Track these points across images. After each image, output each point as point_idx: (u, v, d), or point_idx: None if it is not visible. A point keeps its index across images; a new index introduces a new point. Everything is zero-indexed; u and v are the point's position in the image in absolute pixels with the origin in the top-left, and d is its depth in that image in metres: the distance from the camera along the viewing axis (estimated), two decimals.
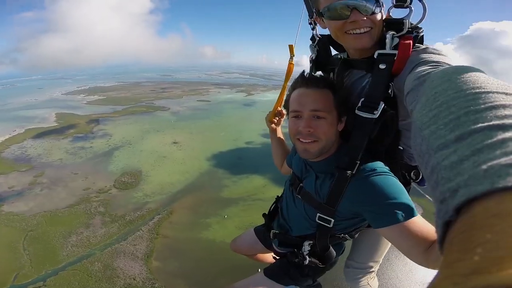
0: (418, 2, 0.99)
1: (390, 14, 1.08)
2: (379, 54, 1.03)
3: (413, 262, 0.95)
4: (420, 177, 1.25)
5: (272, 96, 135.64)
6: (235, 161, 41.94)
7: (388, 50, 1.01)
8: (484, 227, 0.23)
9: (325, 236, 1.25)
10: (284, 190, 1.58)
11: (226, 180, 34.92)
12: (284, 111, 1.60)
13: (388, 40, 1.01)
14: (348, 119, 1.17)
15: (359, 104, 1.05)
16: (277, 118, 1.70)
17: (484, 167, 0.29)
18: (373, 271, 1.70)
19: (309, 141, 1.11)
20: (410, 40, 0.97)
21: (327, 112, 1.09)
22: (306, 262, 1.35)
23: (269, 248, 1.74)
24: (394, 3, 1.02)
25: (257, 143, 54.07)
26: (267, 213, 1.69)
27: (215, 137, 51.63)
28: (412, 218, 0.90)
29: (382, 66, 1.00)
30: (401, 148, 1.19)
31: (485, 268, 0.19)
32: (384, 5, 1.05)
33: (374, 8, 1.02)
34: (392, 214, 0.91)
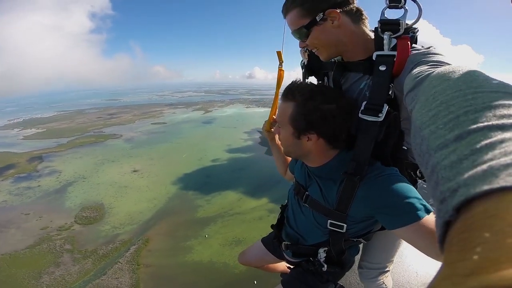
0: (413, 2, 1.02)
1: (385, 15, 1.08)
2: (377, 55, 1.06)
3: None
4: None
5: (231, 110, 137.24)
6: (204, 180, 41.35)
7: (386, 52, 1.03)
8: (484, 227, 0.24)
9: (340, 241, 1.27)
10: (288, 199, 1.63)
11: (198, 200, 34.50)
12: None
13: (386, 42, 1.03)
14: (351, 123, 1.17)
15: (362, 108, 1.07)
16: (273, 128, 1.74)
17: (483, 167, 0.30)
18: (388, 270, 1.73)
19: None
20: (407, 40, 1.01)
21: (281, 125, 1.21)
22: (325, 269, 1.39)
23: (280, 258, 1.79)
24: (388, 4, 1.05)
25: (223, 159, 53.97)
26: (275, 224, 1.72)
27: (177, 160, 50.47)
28: (427, 216, 0.92)
29: (382, 68, 1.02)
30: (405, 148, 1.21)
31: (484, 268, 0.20)
32: (323, 23, 1.11)
33: (301, 36, 1.15)
34: (406, 214, 0.94)
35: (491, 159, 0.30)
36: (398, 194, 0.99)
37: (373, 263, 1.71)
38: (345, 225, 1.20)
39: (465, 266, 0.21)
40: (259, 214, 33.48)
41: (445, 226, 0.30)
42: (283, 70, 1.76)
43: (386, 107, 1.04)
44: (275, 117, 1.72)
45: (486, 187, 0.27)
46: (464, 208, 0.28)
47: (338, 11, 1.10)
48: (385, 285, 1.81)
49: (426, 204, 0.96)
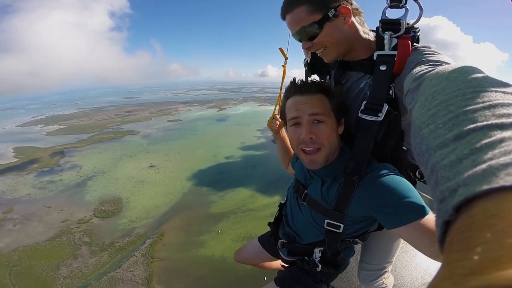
0: (414, 2, 1.02)
1: (386, 15, 1.08)
2: (378, 55, 1.05)
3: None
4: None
5: (244, 108, 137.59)
6: (218, 177, 41.90)
7: (387, 51, 1.02)
8: (484, 227, 0.24)
9: (335, 242, 1.24)
10: (287, 197, 1.59)
11: (212, 196, 34.86)
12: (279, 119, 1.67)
13: (386, 41, 1.02)
14: (349, 123, 1.18)
15: (362, 107, 1.06)
16: (277, 123, 1.74)
17: (483, 166, 0.29)
18: (387, 271, 1.72)
19: (313, 149, 1.12)
20: (408, 40, 1.00)
21: (326, 115, 1.10)
22: (319, 269, 1.37)
23: (276, 256, 1.76)
24: (389, 3, 1.04)
25: (237, 156, 54.08)
26: (272, 221, 1.68)
27: (192, 156, 51.19)
28: (426, 216, 0.91)
29: (382, 67, 1.02)
30: (405, 148, 1.19)
31: (485, 268, 0.20)
32: (338, 15, 1.06)
33: (310, 35, 1.07)
34: (405, 213, 0.93)
35: (491, 159, 0.30)
36: (397, 193, 0.97)
37: (372, 264, 1.67)
38: (342, 225, 1.17)
39: (466, 266, 0.21)
40: (271, 211, 34.05)
41: (445, 226, 0.30)
42: (285, 66, 1.76)
43: (385, 107, 1.02)
44: (276, 114, 1.73)
45: (486, 187, 0.27)
46: (464, 207, 0.28)
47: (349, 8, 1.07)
48: (385, 285, 1.78)
49: (426, 205, 0.95)
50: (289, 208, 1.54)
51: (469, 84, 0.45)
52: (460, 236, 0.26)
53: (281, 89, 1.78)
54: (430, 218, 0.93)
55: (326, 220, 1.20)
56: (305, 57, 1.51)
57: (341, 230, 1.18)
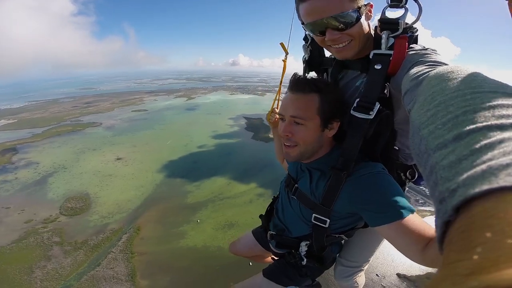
0: (414, 2, 1.03)
1: (386, 14, 1.09)
2: (374, 54, 1.05)
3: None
4: (416, 176, 1.29)
5: (215, 97, 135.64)
6: (191, 166, 41.39)
7: (383, 50, 1.03)
8: (483, 227, 0.24)
9: (322, 237, 1.27)
10: (279, 191, 1.60)
11: (187, 186, 34.33)
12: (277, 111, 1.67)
13: (383, 40, 1.03)
14: (344, 120, 1.18)
15: (354, 105, 1.07)
16: (276, 117, 1.73)
17: (482, 167, 0.30)
18: (362, 269, 1.75)
19: (289, 144, 1.16)
20: (405, 40, 1.00)
21: (307, 119, 1.11)
22: (304, 262, 1.40)
23: (268, 249, 1.76)
24: (389, 3, 1.04)
25: (210, 145, 53.70)
26: (264, 214, 1.71)
27: (162, 147, 49.57)
28: (409, 216, 0.93)
29: (377, 67, 1.03)
30: (397, 148, 1.21)
31: (484, 268, 0.20)
32: (367, 8, 1.05)
33: (348, 22, 1.02)
34: (389, 212, 0.94)
35: (491, 159, 0.30)
36: (383, 192, 0.99)
37: (350, 261, 1.67)
38: (328, 220, 1.19)
39: (465, 266, 0.21)
40: (249, 198, 34.20)
41: (444, 226, 0.31)
42: (285, 61, 1.76)
43: (377, 106, 1.02)
44: (274, 107, 1.72)
45: (485, 187, 0.27)
46: (464, 208, 0.29)
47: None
48: (358, 284, 1.79)
49: (410, 206, 0.96)
50: (280, 201, 1.55)
51: (469, 85, 0.45)
52: (459, 236, 0.26)
53: (281, 83, 1.78)
54: (413, 219, 0.93)
55: (314, 215, 1.21)
56: (304, 54, 1.48)
57: (327, 225, 1.20)
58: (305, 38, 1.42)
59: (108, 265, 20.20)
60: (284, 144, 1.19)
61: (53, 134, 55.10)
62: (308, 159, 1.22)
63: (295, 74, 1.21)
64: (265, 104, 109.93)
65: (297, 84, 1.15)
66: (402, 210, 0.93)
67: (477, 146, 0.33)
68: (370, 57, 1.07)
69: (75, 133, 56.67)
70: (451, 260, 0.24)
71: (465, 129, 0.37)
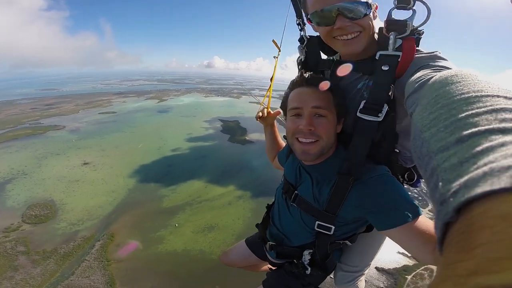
0: (422, 4, 1.01)
1: (392, 15, 1.07)
2: (381, 55, 1.05)
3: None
4: (415, 179, 1.28)
5: (188, 99, 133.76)
6: (166, 170, 40.78)
7: (391, 51, 1.03)
8: (484, 228, 0.24)
9: (325, 244, 1.25)
10: (275, 198, 1.58)
11: (162, 190, 33.88)
12: (270, 110, 1.68)
13: (391, 41, 1.03)
14: (346, 122, 1.17)
15: (361, 106, 1.06)
16: (265, 113, 1.70)
17: (484, 169, 0.30)
18: (364, 273, 1.74)
19: (310, 141, 1.11)
20: (413, 41, 1.01)
21: (328, 110, 1.10)
22: (308, 272, 1.37)
23: (264, 259, 1.75)
24: (396, 4, 1.03)
25: (185, 148, 53.13)
26: (260, 223, 1.67)
27: (133, 150, 48.15)
28: (418, 218, 0.94)
29: (385, 68, 1.02)
30: (397, 151, 1.21)
31: (484, 269, 0.20)
32: (374, 7, 1.07)
33: (361, 12, 1.03)
34: (399, 215, 0.95)
35: (492, 161, 0.30)
36: (391, 195, 0.99)
37: (351, 266, 1.64)
38: (333, 227, 1.17)
39: (466, 266, 0.22)
40: (228, 200, 34.45)
41: (445, 227, 0.31)
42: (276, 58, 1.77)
43: (386, 107, 1.01)
44: (262, 105, 1.67)
45: (487, 189, 0.28)
46: (464, 209, 0.29)
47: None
48: None
49: (419, 207, 0.98)
50: (276, 209, 1.51)
51: (472, 88, 0.46)
52: (459, 237, 0.27)
53: (272, 80, 1.75)
54: (422, 220, 0.94)
55: (317, 222, 1.19)
56: (298, 56, 1.48)
57: (331, 232, 1.18)
58: (301, 39, 1.42)
59: (83, 274, 19.56)
60: (300, 142, 1.13)
61: (9, 138, 51.32)
62: (319, 158, 1.18)
63: (302, 72, 1.24)
64: (240, 107, 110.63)
65: (312, 79, 1.15)
66: (411, 213, 0.93)
67: (479, 149, 0.33)
68: (377, 57, 1.06)
69: (35, 137, 53.21)
70: (451, 260, 0.25)
71: (467, 132, 0.37)
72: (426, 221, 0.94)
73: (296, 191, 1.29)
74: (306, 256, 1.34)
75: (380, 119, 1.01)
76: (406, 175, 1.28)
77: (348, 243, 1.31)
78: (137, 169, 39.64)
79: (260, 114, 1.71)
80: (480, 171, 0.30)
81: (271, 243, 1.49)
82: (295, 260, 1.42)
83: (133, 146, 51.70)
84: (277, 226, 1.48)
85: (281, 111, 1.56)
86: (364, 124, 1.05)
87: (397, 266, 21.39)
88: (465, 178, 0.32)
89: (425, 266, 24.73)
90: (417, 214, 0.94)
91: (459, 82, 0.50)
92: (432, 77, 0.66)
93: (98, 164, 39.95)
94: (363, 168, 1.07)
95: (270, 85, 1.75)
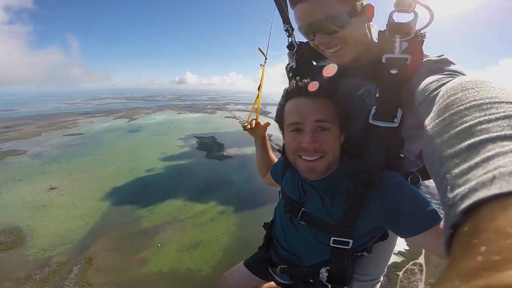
0: (423, 7, 0.98)
1: (393, 18, 1.02)
2: (387, 58, 1.01)
3: None
4: (419, 182, 1.26)
5: (160, 117, 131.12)
6: (141, 191, 39.66)
7: (398, 54, 0.99)
8: (489, 229, 0.25)
9: (342, 258, 1.21)
10: (275, 217, 1.53)
11: (139, 211, 33.04)
12: (259, 121, 1.61)
13: (397, 44, 0.99)
14: (354, 131, 1.12)
15: (373, 112, 1.02)
16: (253, 125, 1.63)
17: (494, 173, 0.31)
18: (380, 280, 1.74)
19: (315, 158, 1.05)
20: (420, 44, 0.99)
21: (331, 122, 1.04)
22: None
23: (267, 279, 1.73)
24: (396, 7, 0.99)
25: (160, 168, 52.15)
26: (263, 245, 1.60)
27: (104, 173, 46.28)
28: (441, 219, 0.91)
29: (393, 71, 0.98)
30: (402, 155, 1.15)
31: (488, 269, 0.21)
32: (365, 11, 1.03)
33: (337, 26, 1.00)
34: (423, 220, 0.93)
35: (502, 166, 0.31)
36: (413, 200, 0.96)
37: (366, 275, 1.60)
38: (351, 241, 1.12)
39: (469, 267, 0.23)
40: (210, 216, 34.23)
41: (453, 229, 0.32)
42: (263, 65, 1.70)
43: (400, 112, 0.98)
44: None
45: (495, 191, 0.28)
46: (472, 212, 0.30)
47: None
48: None
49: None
50: (279, 229, 1.42)
51: (486, 95, 0.46)
52: (465, 238, 0.28)
53: (259, 90, 1.67)
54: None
55: (332, 238, 1.14)
56: (288, 63, 1.45)
57: (350, 246, 1.13)
58: (290, 46, 1.41)
59: None
60: (304, 159, 1.07)
61: None
62: (322, 175, 1.12)
63: (298, 79, 1.13)
64: (216, 122, 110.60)
65: (313, 88, 1.08)
66: (434, 215, 0.92)
67: (489, 154, 0.34)
68: (383, 61, 1.02)
69: None
70: (456, 261, 0.25)
71: (479, 138, 0.38)
72: None
73: (303, 208, 1.21)
74: (324, 273, 1.29)
75: (396, 124, 0.98)
76: (409, 179, 1.23)
77: (366, 254, 1.28)
78: (109, 192, 38.15)
79: (249, 126, 1.61)
80: (489, 175, 0.31)
81: (282, 266, 1.40)
82: (311, 280, 1.37)
83: (103, 168, 49.81)
84: (284, 247, 1.40)
85: (270, 123, 1.57)
86: (379, 131, 1.02)
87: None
88: (474, 182, 0.32)
89: (414, 261, 26.06)
90: (439, 217, 0.92)
91: (473, 88, 0.51)
92: (445, 83, 0.67)
93: (66, 189, 38.02)
94: (379, 179, 1.03)
95: (258, 95, 1.65)
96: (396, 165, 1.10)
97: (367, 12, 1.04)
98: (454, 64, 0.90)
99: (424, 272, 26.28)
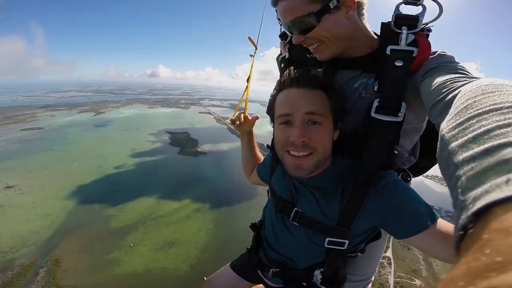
0: (432, 1, 0.96)
1: (400, 10, 0.99)
2: (392, 50, 0.98)
3: None
4: (410, 179, 1.24)
5: (130, 111, 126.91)
6: (110, 189, 38.39)
7: (403, 46, 0.97)
8: (498, 231, 0.25)
9: (337, 259, 1.19)
10: (264, 218, 1.47)
11: (108, 210, 31.79)
12: (248, 115, 1.57)
13: (403, 36, 0.97)
14: (350, 126, 1.08)
15: (376, 105, 0.98)
16: (242, 120, 1.57)
17: (509, 176, 0.31)
18: (371, 280, 1.70)
19: (303, 154, 1.00)
20: (425, 38, 0.98)
21: (323, 116, 0.99)
22: None
23: (255, 283, 1.70)
24: None
25: (130, 165, 51.00)
26: (252, 248, 1.54)
27: (68, 170, 43.89)
28: (437, 221, 0.91)
29: (398, 63, 0.96)
30: (396, 152, 1.11)
31: (493, 270, 0.21)
32: (341, 9, 0.99)
33: (306, 26, 1.01)
34: (418, 221, 0.91)
35: None
36: (408, 201, 0.95)
37: (358, 275, 1.59)
38: (346, 242, 1.09)
39: (476, 267, 0.23)
40: (185, 214, 34.08)
41: (463, 230, 0.32)
42: (252, 56, 1.65)
43: (404, 106, 0.96)
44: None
45: (508, 194, 0.29)
46: (483, 214, 0.30)
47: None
48: None
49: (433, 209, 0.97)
50: (270, 230, 1.37)
51: (506, 99, 0.46)
52: (473, 239, 0.28)
53: (248, 81, 1.63)
54: (442, 221, 0.93)
55: (328, 239, 1.10)
56: (280, 53, 1.43)
57: (345, 247, 1.11)
58: (282, 35, 1.39)
59: None
60: (292, 155, 1.02)
61: None
62: (315, 171, 1.08)
63: (291, 69, 1.10)
64: (189, 118, 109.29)
65: (302, 77, 1.04)
66: (430, 217, 0.91)
67: (505, 158, 0.34)
68: (388, 53, 0.99)
69: None
70: (464, 261, 0.26)
71: (496, 142, 0.38)
72: (445, 223, 0.91)
73: (296, 208, 1.17)
74: (318, 276, 1.26)
75: (400, 119, 0.95)
76: (400, 176, 1.19)
77: (359, 254, 1.25)
78: (75, 190, 36.34)
79: (238, 122, 1.56)
80: (504, 177, 0.31)
81: (274, 270, 1.35)
82: (304, 283, 1.32)
83: (67, 165, 47.27)
84: (275, 249, 1.34)
85: (259, 116, 1.54)
86: (382, 125, 0.98)
87: None
88: (488, 184, 0.33)
89: (383, 255, 27.34)
90: (436, 217, 0.92)
91: (493, 92, 0.51)
92: (463, 85, 0.67)
93: (25, 187, 35.57)
94: (381, 175, 1.01)
95: (247, 86, 1.60)
96: (389, 162, 1.09)
97: (346, 8, 1.00)
98: (458, 62, 0.91)
99: (392, 265, 28.23)
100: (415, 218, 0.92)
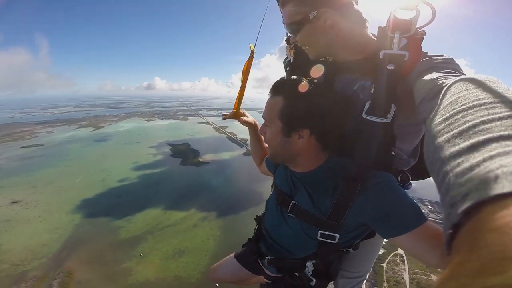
0: (426, 5, 0.96)
1: (395, 14, 1.01)
2: (385, 53, 1.02)
3: None
4: (409, 181, 1.25)
5: (129, 125, 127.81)
6: (115, 201, 39.17)
7: (396, 50, 1.00)
8: (491, 230, 0.25)
9: (329, 253, 1.24)
10: (267, 209, 1.54)
11: (115, 222, 32.64)
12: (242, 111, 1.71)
13: (396, 40, 1.00)
14: (348, 127, 1.13)
15: (367, 107, 1.04)
16: (234, 112, 1.69)
17: (496, 172, 0.31)
18: (365, 278, 1.75)
19: (267, 145, 1.22)
20: (419, 41, 1.00)
21: (269, 122, 1.14)
22: (313, 283, 1.38)
23: (256, 273, 1.75)
24: (400, 4, 0.99)
25: (133, 177, 51.66)
26: (252, 238, 1.63)
27: (72, 185, 44.49)
28: (425, 223, 0.93)
29: (390, 67, 1.00)
30: (393, 153, 1.15)
31: (489, 269, 0.21)
32: (319, 20, 1.07)
33: (293, 32, 1.13)
34: (405, 222, 0.94)
35: (504, 166, 0.31)
36: (399, 201, 0.97)
37: (352, 271, 1.64)
38: (337, 236, 1.13)
39: (471, 267, 0.23)
40: (192, 223, 34.93)
41: (454, 229, 0.32)
42: (248, 60, 1.69)
43: (394, 108, 0.99)
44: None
45: (498, 191, 0.29)
46: (473, 211, 0.30)
47: (333, 11, 1.08)
48: None
49: (422, 211, 0.98)
50: (270, 221, 1.47)
51: (489, 95, 0.47)
52: (466, 239, 0.28)
53: (246, 80, 1.69)
54: (429, 224, 0.94)
55: (320, 232, 1.16)
56: (286, 56, 1.53)
57: (336, 241, 1.15)
58: (288, 40, 1.46)
59: None
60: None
61: None
62: (293, 166, 1.22)
63: (287, 75, 1.25)
64: (189, 129, 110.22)
65: (272, 86, 1.16)
66: (417, 218, 0.93)
67: (492, 154, 0.34)
68: (380, 56, 1.02)
69: None
70: (458, 261, 0.26)
71: (481, 138, 0.38)
72: (432, 226, 0.92)
73: (293, 201, 1.24)
74: (309, 267, 1.33)
75: (388, 120, 1.00)
76: (399, 177, 1.22)
77: (352, 250, 1.29)
78: (80, 204, 37.01)
79: (227, 117, 1.71)
80: (491, 174, 0.31)
81: (270, 257, 1.45)
82: (296, 273, 1.42)
83: (70, 180, 47.92)
84: (273, 239, 1.44)
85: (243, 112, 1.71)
86: (372, 125, 1.04)
87: None
88: (476, 181, 0.33)
89: (395, 253, 27.75)
90: (423, 219, 0.93)
91: (476, 88, 0.51)
92: (448, 82, 0.67)
93: (31, 202, 36.23)
94: (369, 174, 1.04)
95: (243, 81, 1.67)
96: (385, 163, 1.12)
97: (325, 18, 1.08)
98: (456, 63, 0.91)
99: (405, 262, 28.43)
100: (400, 219, 0.96)
